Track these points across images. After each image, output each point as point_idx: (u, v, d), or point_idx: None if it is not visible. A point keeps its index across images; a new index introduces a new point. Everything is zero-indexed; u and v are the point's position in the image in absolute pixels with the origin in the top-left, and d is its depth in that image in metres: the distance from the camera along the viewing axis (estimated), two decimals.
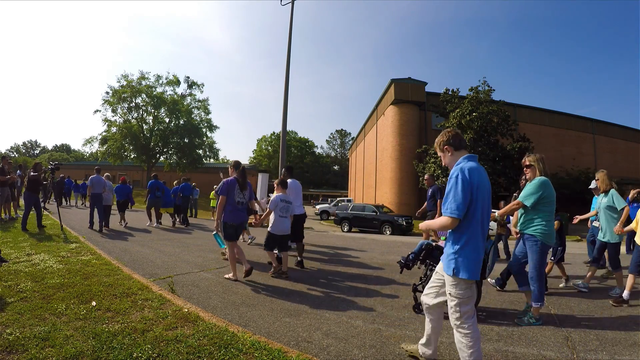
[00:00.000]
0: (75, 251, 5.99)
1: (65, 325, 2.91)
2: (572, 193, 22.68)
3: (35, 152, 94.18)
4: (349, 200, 30.23)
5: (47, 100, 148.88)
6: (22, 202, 14.18)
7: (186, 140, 38.58)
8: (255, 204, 5.59)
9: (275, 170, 43.66)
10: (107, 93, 36.68)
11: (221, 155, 42.31)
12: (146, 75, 38.00)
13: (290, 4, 15.79)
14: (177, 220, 11.61)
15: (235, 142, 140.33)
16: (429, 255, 3.81)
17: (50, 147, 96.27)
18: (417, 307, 3.79)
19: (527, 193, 3.60)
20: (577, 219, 5.68)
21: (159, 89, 38.54)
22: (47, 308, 3.27)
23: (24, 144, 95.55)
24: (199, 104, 40.30)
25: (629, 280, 4.23)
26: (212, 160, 45.48)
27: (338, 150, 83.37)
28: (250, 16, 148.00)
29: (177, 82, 39.16)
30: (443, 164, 2.61)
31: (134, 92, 36.59)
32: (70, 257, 5.51)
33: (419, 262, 3.82)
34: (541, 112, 28.27)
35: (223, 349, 2.64)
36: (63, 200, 17.59)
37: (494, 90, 20.78)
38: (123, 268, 5.02)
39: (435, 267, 3.23)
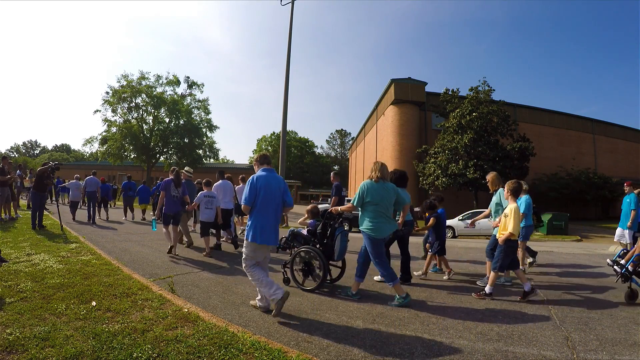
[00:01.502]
0: (75, 251, 6.00)
1: (65, 325, 2.91)
2: (572, 193, 22.68)
3: (35, 152, 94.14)
4: (349, 200, 30.20)
5: (47, 100, 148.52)
6: (22, 202, 14.29)
7: (186, 140, 38.55)
8: (188, 198, 7.00)
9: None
10: (107, 93, 36.65)
11: (221, 155, 42.14)
12: (146, 76, 37.95)
13: (290, 4, 15.79)
14: (152, 216, 13.00)
15: (235, 142, 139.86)
16: (294, 239, 4.97)
17: (50, 147, 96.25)
18: (286, 281, 4.72)
19: (354, 196, 4.28)
20: (472, 222, 6.35)
21: (159, 89, 38.48)
22: (47, 308, 3.27)
23: (24, 144, 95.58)
24: (199, 104, 40.25)
25: (491, 276, 4.47)
26: (212, 160, 45.43)
27: (338, 150, 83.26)
28: (250, 16, 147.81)
29: (177, 82, 39.08)
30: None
31: (134, 92, 36.53)
32: (70, 257, 5.52)
33: (290, 244, 4.98)
34: (541, 112, 28.22)
35: (223, 349, 2.64)
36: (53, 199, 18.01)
37: (494, 90, 20.76)
38: (123, 268, 5.02)
39: (297, 247, 4.77)
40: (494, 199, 5.37)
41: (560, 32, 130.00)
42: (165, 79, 38.73)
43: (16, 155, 79.45)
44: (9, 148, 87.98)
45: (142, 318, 3.16)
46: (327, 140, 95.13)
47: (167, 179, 6.67)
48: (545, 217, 15.41)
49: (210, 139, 40.71)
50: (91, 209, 10.98)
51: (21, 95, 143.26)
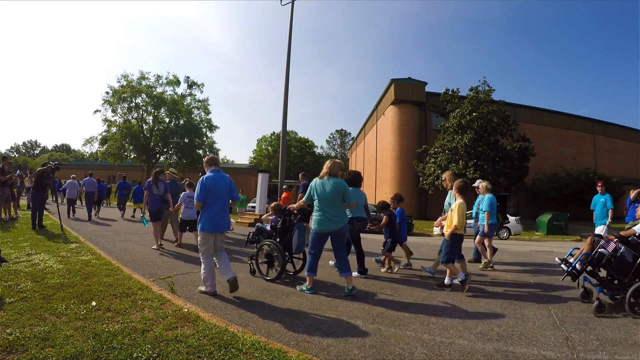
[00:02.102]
0: (75, 251, 6.00)
1: (65, 325, 2.91)
2: (572, 193, 22.67)
3: (35, 152, 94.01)
4: None
5: (47, 100, 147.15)
6: (22, 202, 14.30)
7: (186, 140, 38.47)
8: (170, 197, 7.60)
9: (275, 170, 43.56)
10: (107, 93, 36.48)
11: (221, 155, 42.02)
12: (146, 76, 37.80)
13: (290, 4, 15.80)
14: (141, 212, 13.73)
15: (235, 142, 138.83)
16: (259, 234, 5.43)
17: (50, 147, 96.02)
18: (252, 272, 5.22)
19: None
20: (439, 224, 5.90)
21: (159, 89, 38.34)
22: (47, 308, 3.27)
23: (24, 144, 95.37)
24: (199, 104, 40.12)
25: (448, 270, 4.81)
26: None
27: (338, 150, 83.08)
28: (250, 16, 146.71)
29: (177, 82, 38.97)
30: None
31: (134, 92, 36.44)
32: (70, 257, 5.52)
33: (256, 237, 5.44)
34: (541, 112, 28.20)
35: (223, 349, 2.64)
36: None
37: (494, 90, 20.72)
38: (123, 268, 5.03)
39: (263, 241, 5.20)
40: (447, 198, 5.59)
41: (560, 32, 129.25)
42: (165, 79, 38.61)
43: (16, 155, 79.30)
44: (9, 148, 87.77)
45: (142, 318, 3.16)
46: (327, 140, 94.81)
47: (148, 179, 7.54)
48: (545, 217, 15.40)
49: (210, 139, 40.60)
50: (90, 208, 12.01)
51: (21, 95, 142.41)
